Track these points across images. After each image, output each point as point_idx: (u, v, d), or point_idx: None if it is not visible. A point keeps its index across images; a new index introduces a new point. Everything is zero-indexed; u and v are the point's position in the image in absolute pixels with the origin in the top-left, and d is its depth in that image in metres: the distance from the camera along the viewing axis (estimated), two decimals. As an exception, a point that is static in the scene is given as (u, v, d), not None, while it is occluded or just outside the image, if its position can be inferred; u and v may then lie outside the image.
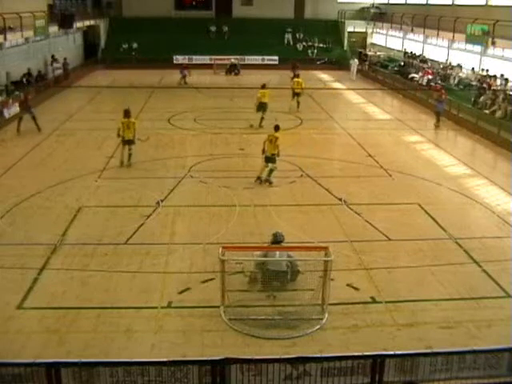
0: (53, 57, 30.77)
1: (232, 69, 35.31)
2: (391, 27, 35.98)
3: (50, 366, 6.07)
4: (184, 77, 30.44)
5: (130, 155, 15.64)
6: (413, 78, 29.57)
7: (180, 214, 12.43)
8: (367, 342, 7.79)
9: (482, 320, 8.38)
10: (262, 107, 20.48)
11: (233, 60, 35.77)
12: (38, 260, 10.05)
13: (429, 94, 24.73)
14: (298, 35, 40.44)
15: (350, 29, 41.50)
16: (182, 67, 31.50)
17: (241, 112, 23.53)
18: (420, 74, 29.19)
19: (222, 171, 15.51)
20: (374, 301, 8.94)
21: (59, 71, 29.17)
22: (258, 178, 14.34)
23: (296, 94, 23.49)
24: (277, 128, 14.51)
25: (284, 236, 9.38)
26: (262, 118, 20.42)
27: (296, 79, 23.83)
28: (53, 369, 6.04)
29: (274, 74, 34.69)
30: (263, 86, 20.85)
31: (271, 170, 14.27)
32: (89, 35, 39.21)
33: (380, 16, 38.56)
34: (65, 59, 32.11)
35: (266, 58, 38.39)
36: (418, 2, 33.85)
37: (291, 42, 40.44)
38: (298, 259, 8.95)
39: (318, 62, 38.63)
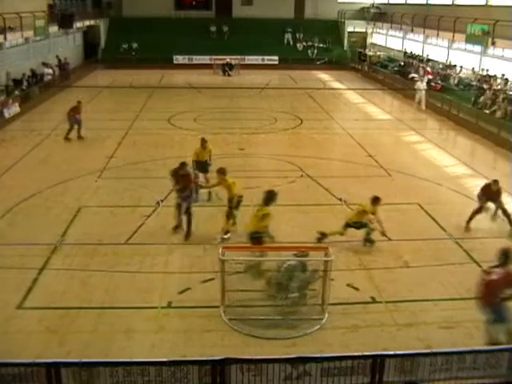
0: (43, 63, 29.84)
1: (225, 68, 34.85)
2: (391, 27, 35.94)
3: (49, 365, 6.07)
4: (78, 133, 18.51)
5: None
6: (413, 77, 29.54)
7: (180, 213, 12.41)
8: (367, 342, 7.79)
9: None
10: (237, 203, 11.25)
11: (228, 60, 35.19)
12: (38, 260, 10.05)
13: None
14: (298, 35, 40.42)
15: (349, 29, 41.51)
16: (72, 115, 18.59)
17: (241, 112, 23.55)
18: (420, 73, 29.15)
19: (221, 171, 15.48)
20: (374, 301, 8.94)
21: (49, 77, 28.86)
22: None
23: None
24: (375, 201, 10.82)
25: None
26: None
27: None
28: (53, 369, 6.04)
29: (273, 74, 34.75)
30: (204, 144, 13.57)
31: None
32: (89, 35, 39.17)
33: (380, 16, 38.52)
34: (65, 59, 32.07)
35: (266, 57, 38.35)
36: (417, 2, 33.82)
37: (291, 42, 40.42)
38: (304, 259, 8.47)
39: (318, 62, 38.64)
